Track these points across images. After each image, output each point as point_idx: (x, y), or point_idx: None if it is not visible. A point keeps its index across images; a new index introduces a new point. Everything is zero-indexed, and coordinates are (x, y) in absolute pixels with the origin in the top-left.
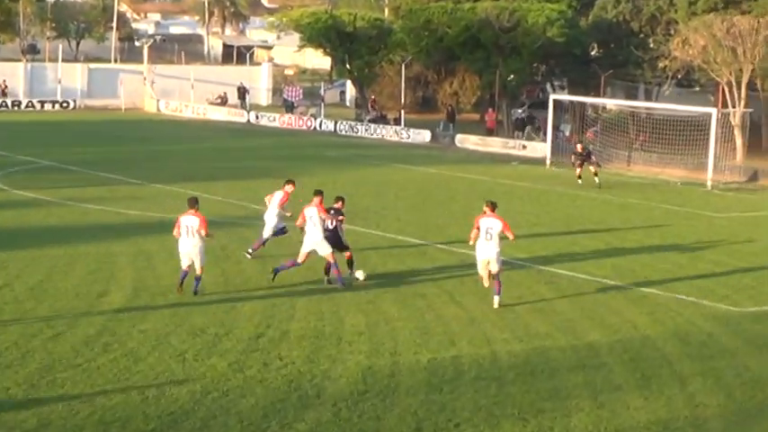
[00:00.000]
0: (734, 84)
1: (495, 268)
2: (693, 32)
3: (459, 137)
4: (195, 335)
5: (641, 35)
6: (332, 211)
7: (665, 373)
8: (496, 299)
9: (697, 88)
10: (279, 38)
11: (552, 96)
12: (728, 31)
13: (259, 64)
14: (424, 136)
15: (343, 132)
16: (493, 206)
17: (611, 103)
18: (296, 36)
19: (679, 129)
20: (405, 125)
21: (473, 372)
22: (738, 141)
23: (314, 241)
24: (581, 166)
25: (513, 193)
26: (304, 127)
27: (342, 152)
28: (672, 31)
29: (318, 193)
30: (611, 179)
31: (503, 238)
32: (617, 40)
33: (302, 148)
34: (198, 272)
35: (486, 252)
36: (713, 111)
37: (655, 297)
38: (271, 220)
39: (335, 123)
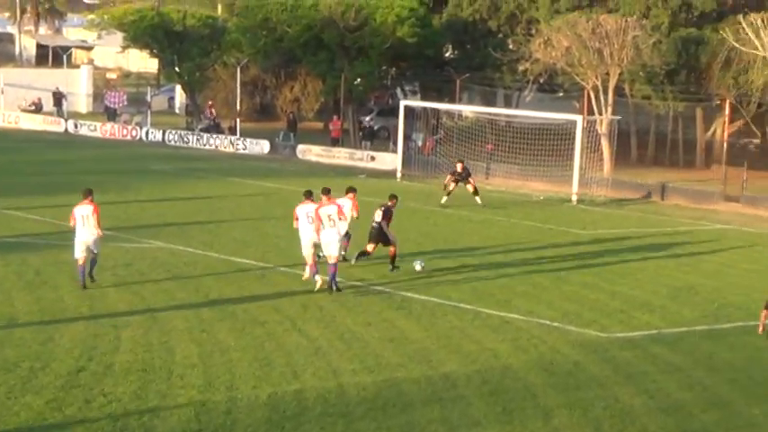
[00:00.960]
0: (600, 88)
1: (334, 252)
2: (556, 32)
3: (300, 147)
4: (8, 370)
5: (500, 35)
6: (383, 208)
7: (528, 406)
8: (320, 279)
9: (561, 93)
10: (100, 37)
11: (403, 102)
12: (594, 31)
13: (78, 66)
14: (263, 147)
15: (173, 143)
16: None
17: (468, 110)
18: (119, 35)
19: (541, 138)
20: (241, 135)
21: (318, 407)
22: (606, 152)
23: (327, 240)
24: (456, 182)
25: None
26: (128, 137)
27: (171, 165)
28: (533, 31)
29: (352, 189)
30: (468, 194)
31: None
32: (473, 41)
33: (126, 160)
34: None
35: (327, 237)
36: (578, 118)
37: (516, 322)
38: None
39: (164, 133)
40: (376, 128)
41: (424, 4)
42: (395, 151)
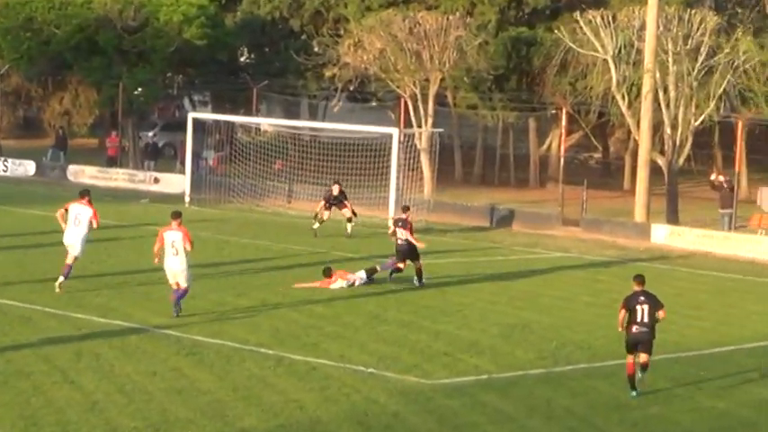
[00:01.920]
0: (419, 97)
1: (183, 283)
2: (368, 33)
3: (72, 168)
4: None
5: (303, 36)
6: (399, 223)
7: None
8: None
9: (374, 103)
10: None
11: (191, 115)
12: (411, 31)
13: None
14: (27, 168)
15: None
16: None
17: (267, 123)
18: None
19: (352, 154)
20: (1, 154)
21: None
22: (426, 170)
23: None
24: (329, 209)
25: (143, 239)
26: None
27: None
28: (341, 32)
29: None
30: (266, 219)
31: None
32: (273, 43)
33: None
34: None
35: (173, 265)
36: (394, 131)
37: (325, 369)
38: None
39: None
40: (160, 145)
41: (214, 2)
42: (182, 172)
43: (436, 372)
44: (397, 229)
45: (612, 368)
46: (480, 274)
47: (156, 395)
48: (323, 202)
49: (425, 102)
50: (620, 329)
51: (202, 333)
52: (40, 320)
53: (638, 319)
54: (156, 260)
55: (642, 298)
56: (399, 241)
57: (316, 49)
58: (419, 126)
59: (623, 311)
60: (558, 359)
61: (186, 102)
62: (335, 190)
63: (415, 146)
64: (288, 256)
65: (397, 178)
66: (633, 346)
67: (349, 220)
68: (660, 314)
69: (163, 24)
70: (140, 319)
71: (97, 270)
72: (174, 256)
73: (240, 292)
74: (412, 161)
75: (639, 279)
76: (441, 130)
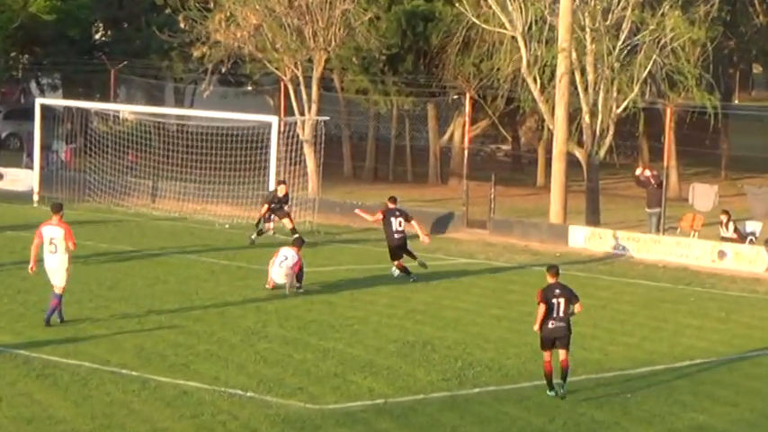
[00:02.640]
0: (302, 80)
1: (59, 283)
2: (242, 6)
3: None
4: None
5: (167, 10)
6: (397, 213)
7: None
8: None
9: (249, 87)
10: None
11: (39, 101)
12: (291, 5)
13: None
14: None
15: None
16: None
17: (126, 110)
18: None
19: (226, 146)
20: None
21: None
22: (310, 164)
23: None
24: (276, 216)
25: None
26: None
27: None
28: (211, 5)
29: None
30: (128, 220)
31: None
32: (132, 18)
33: None
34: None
35: (51, 264)
36: (273, 119)
37: (198, 393)
38: None
39: None
40: (3, 135)
41: None
42: (30, 167)
43: (325, 396)
44: (392, 219)
45: (526, 391)
46: (374, 284)
47: (3, 425)
48: (266, 206)
49: (308, 86)
50: (536, 329)
51: (56, 352)
52: None
53: (554, 314)
54: (33, 265)
55: (558, 291)
56: (396, 235)
57: (182, 26)
58: (302, 114)
59: (542, 305)
60: (464, 381)
61: (33, 86)
62: (281, 191)
63: (298, 136)
64: (153, 263)
65: (277, 173)
66: (550, 342)
67: (293, 230)
68: (576, 308)
69: None
70: None
71: None
72: (53, 254)
73: (98, 305)
74: (294, 154)
75: (554, 270)
76: (327, 118)
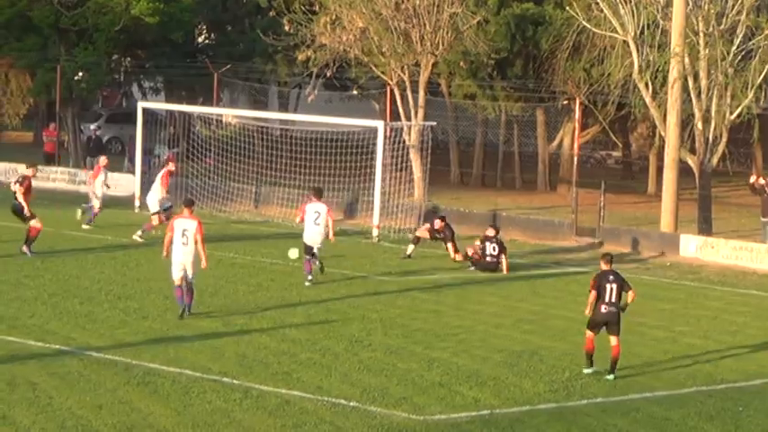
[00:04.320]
0: (408, 85)
1: (191, 271)
2: (347, 9)
3: (2, 166)
4: None
5: (272, 13)
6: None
7: None
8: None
9: (355, 92)
10: None
11: (141, 104)
12: (399, 8)
13: None
14: None
15: None
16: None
17: (230, 114)
18: None
19: (330, 151)
20: None
21: None
22: (416, 170)
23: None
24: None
25: (86, 251)
26: None
27: None
28: (316, 8)
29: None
30: (230, 226)
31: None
32: (236, 21)
33: None
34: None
35: (182, 256)
36: (379, 124)
37: (300, 402)
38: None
39: None
40: (105, 139)
41: None
42: (132, 171)
43: (429, 406)
44: (487, 244)
45: (635, 402)
46: (481, 292)
47: None
48: (422, 229)
49: (415, 90)
50: (586, 312)
51: (157, 359)
52: None
53: (607, 299)
54: (166, 254)
55: (611, 277)
56: (489, 258)
57: (286, 28)
58: (408, 119)
59: (594, 292)
60: (572, 392)
61: (135, 89)
62: (439, 224)
63: (404, 142)
64: (256, 269)
65: (383, 180)
66: (600, 326)
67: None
68: (629, 296)
69: None
70: (83, 342)
71: (32, 286)
72: (185, 245)
73: (200, 312)
74: (400, 160)
75: (608, 258)
76: (433, 123)
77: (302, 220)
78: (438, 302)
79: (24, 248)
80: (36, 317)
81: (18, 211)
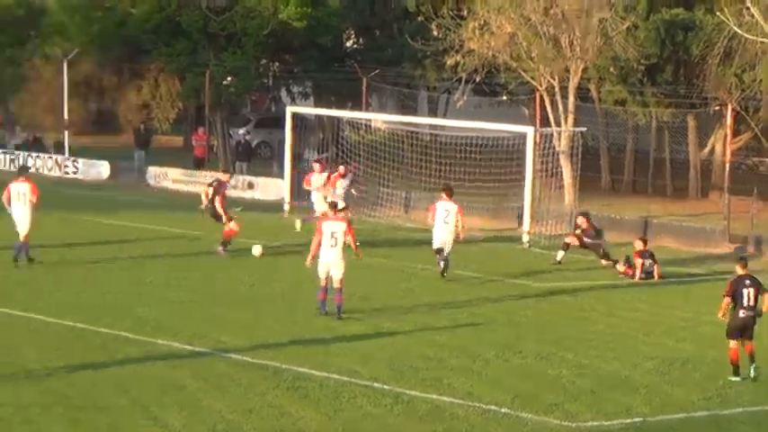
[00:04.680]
0: (558, 90)
1: (338, 275)
2: (496, 14)
3: (152, 170)
4: None
5: (420, 18)
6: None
7: None
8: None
9: (504, 97)
10: None
11: (290, 109)
12: (548, 13)
13: None
14: (101, 169)
15: None
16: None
17: (379, 119)
18: None
19: (479, 157)
20: (71, 153)
21: None
22: (567, 175)
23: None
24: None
25: (235, 254)
26: None
27: None
28: (465, 13)
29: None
30: (381, 233)
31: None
32: (385, 26)
33: None
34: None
35: (330, 257)
36: (529, 130)
37: (450, 408)
38: None
39: None
40: (254, 143)
41: None
42: (280, 175)
43: (581, 413)
44: (644, 261)
45: None
46: (631, 299)
47: None
48: (573, 237)
49: (565, 96)
50: (720, 316)
51: (306, 364)
52: (119, 347)
53: (745, 303)
54: (311, 259)
55: (748, 281)
56: (645, 275)
57: (435, 33)
58: (558, 125)
59: (728, 298)
60: (726, 400)
61: (284, 93)
62: (583, 222)
63: (554, 148)
64: (406, 275)
65: (533, 185)
66: (739, 331)
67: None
68: (766, 300)
69: (255, 3)
70: (233, 346)
71: (182, 288)
72: (333, 247)
73: (349, 317)
74: (550, 165)
75: (743, 262)
76: (583, 129)
77: (432, 219)
78: (588, 309)
79: (219, 248)
80: (187, 321)
81: (216, 217)
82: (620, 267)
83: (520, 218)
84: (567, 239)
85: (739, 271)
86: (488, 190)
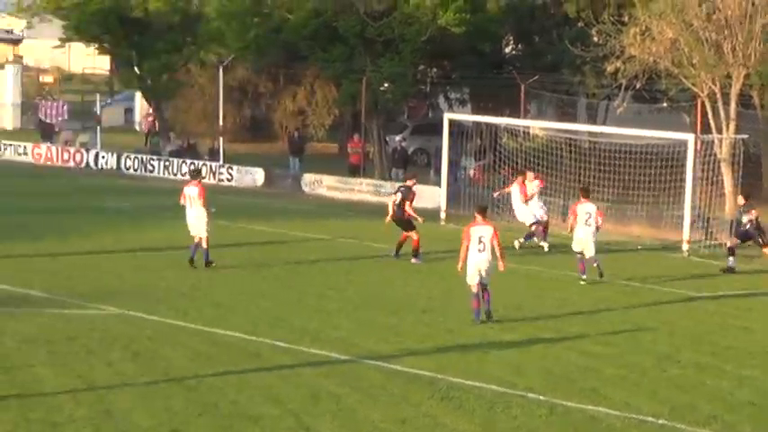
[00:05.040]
0: (719, 97)
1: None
2: (658, 19)
3: (307, 177)
4: None
5: (580, 24)
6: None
7: None
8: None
9: (665, 104)
10: (30, 26)
11: (447, 116)
12: (710, 18)
13: (1, 66)
14: (255, 176)
15: (131, 171)
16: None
17: (537, 126)
18: (57, 24)
19: (638, 164)
20: (225, 160)
21: None
22: (728, 184)
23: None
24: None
25: (395, 265)
26: (71, 162)
27: (129, 200)
28: (626, 18)
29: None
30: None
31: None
32: (544, 32)
33: (67, 194)
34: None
35: (480, 261)
36: (689, 137)
37: (607, 419)
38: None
39: (119, 157)
40: (411, 150)
41: None
42: (437, 183)
43: (740, 425)
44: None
45: None
46: None
47: None
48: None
49: (727, 102)
50: None
51: (460, 373)
52: (270, 356)
53: None
54: (461, 265)
55: None
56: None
57: (595, 39)
58: (719, 131)
59: None
60: None
61: (441, 100)
62: (753, 214)
63: (715, 155)
64: (563, 283)
65: (693, 193)
66: None
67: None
68: None
69: (414, 8)
70: (386, 355)
71: (337, 299)
72: (481, 252)
73: (504, 327)
74: (711, 173)
75: None
76: (745, 136)
77: (574, 222)
78: (750, 319)
79: (413, 260)
80: (340, 329)
81: (404, 224)
82: None
83: (680, 226)
84: (730, 243)
85: None
86: (648, 198)
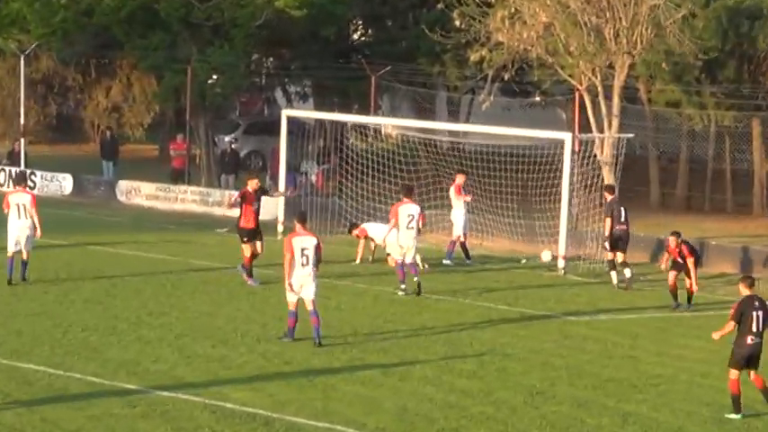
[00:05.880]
0: (601, 90)
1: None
2: (530, 1)
3: (122, 185)
4: None
5: (440, 5)
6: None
7: None
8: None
9: (538, 98)
10: None
11: (286, 112)
12: (590, 1)
13: None
14: (63, 183)
15: None
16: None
17: (390, 123)
18: None
19: (507, 168)
20: (27, 164)
21: None
22: None
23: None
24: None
25: (224, 286)
26: None
27: None
28: (493, 0)
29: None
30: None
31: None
32: (397, 15)
33: None
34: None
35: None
36: (566, 136)
37: None
38: None
39: None
40: (243, 153)
41: None
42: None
43: None
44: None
45: None
46: (685, 335)
47: None
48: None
49: (609, 96)
50: (715, 336)
51: (302, 412)
52: (80, 393)
53: (754, 329)
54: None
55: (757, 303)
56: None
57: (457, 23)
58: (600, 130)
59: (732, 322)
60: None
61: (279, 94)
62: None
63: (595, 156)
64: (419, 307)
65: (570, 201)
66: (745, 361)
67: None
68: None
69: None
70: (215, 392)
71: (156, 326)
72: (304, 266)
73: (353, 357)
74: (591, 178)
75: (749, 282)
76: (630, 135)
77: (396, 225)
78: (635, 347)
79: (245, 277)
80: (160, 362)
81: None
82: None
83: (555, 239)
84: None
85: (743, 290)
86: (518, 207)
